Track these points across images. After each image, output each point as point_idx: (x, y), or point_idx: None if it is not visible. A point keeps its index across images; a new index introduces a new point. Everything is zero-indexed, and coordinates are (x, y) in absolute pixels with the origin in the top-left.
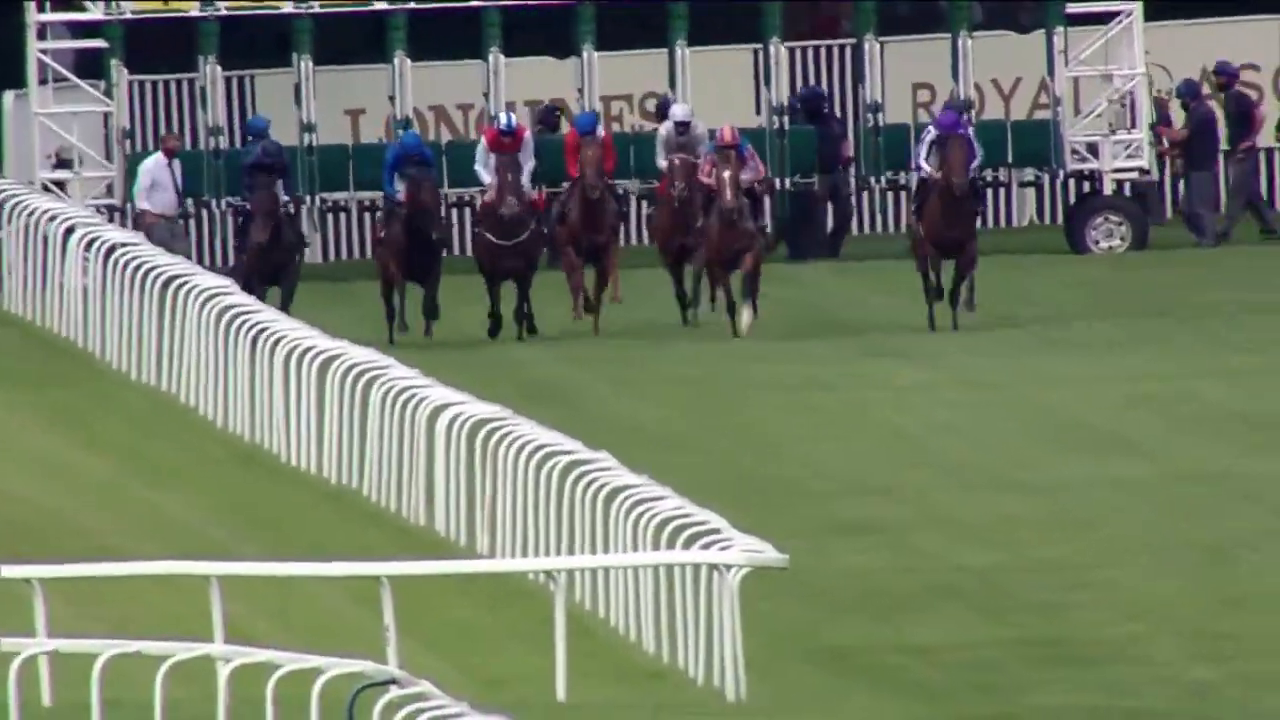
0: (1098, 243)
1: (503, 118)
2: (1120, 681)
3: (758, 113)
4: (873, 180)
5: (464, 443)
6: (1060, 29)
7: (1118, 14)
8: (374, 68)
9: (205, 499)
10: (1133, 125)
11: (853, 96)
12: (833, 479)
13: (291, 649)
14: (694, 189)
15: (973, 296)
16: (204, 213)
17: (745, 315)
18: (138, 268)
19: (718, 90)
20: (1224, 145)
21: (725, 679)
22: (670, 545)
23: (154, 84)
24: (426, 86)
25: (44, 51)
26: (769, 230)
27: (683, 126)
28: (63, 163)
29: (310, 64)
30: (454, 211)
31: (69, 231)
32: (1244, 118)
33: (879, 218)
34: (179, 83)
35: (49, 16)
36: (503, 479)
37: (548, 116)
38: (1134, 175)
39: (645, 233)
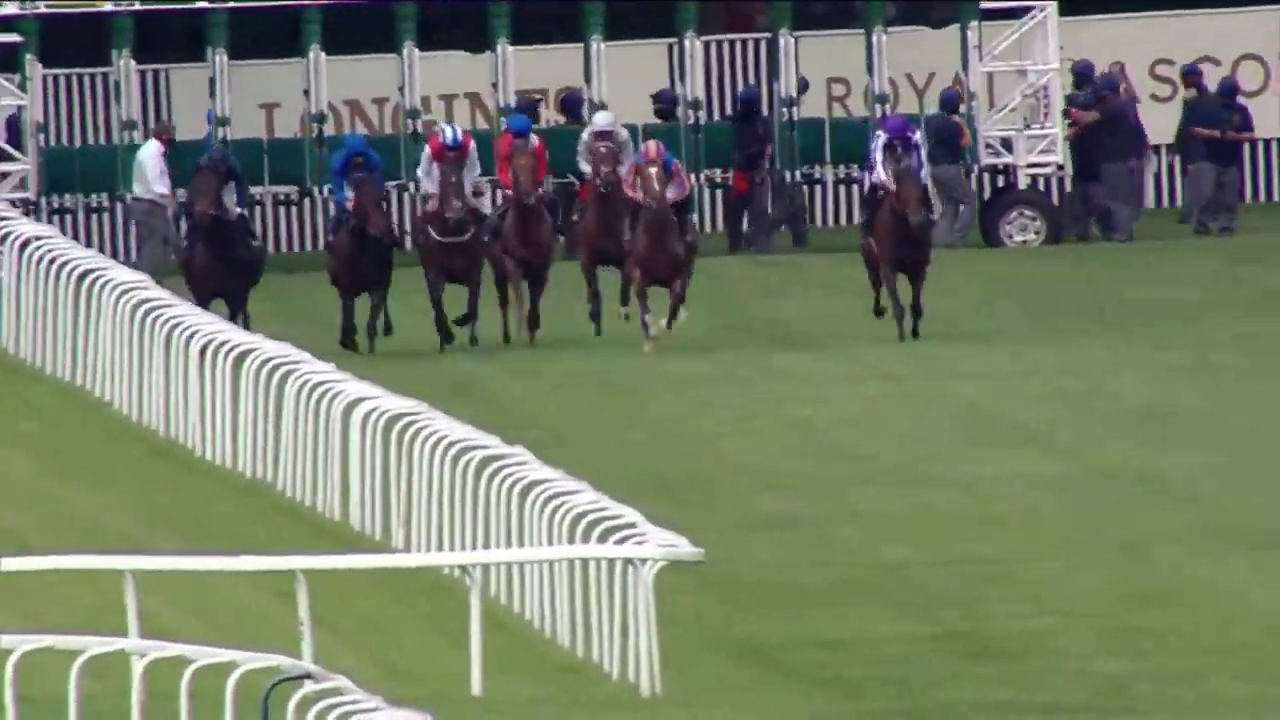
0: (1011, 237)
1: (448, 131)
2: (1035, 676)
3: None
4: (788, 174)
5: (379, 437)
6: (974, 24)
7: (1031, 9)
8: (289, 62)
9: (119, 494)
10: (1047, 120)
11: (767, 91)
12: (748, 473)
13: (206, 643)
14: (620, 200)
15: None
16: (118, 206)
17: (660, 326)
18: (52, 261)
19: (633, 85)
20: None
21: (640, 673)
22: (586, 539)
23: (68, 78)
24: (341, 81)
25: None
26: (697, 244)
27: (604, 135)
28: None
29: (225, 58)
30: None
31: None
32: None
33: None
34: (93, 77)
35: None
36: (418, 474)
37: (573, 107)
38: (1049, 170)
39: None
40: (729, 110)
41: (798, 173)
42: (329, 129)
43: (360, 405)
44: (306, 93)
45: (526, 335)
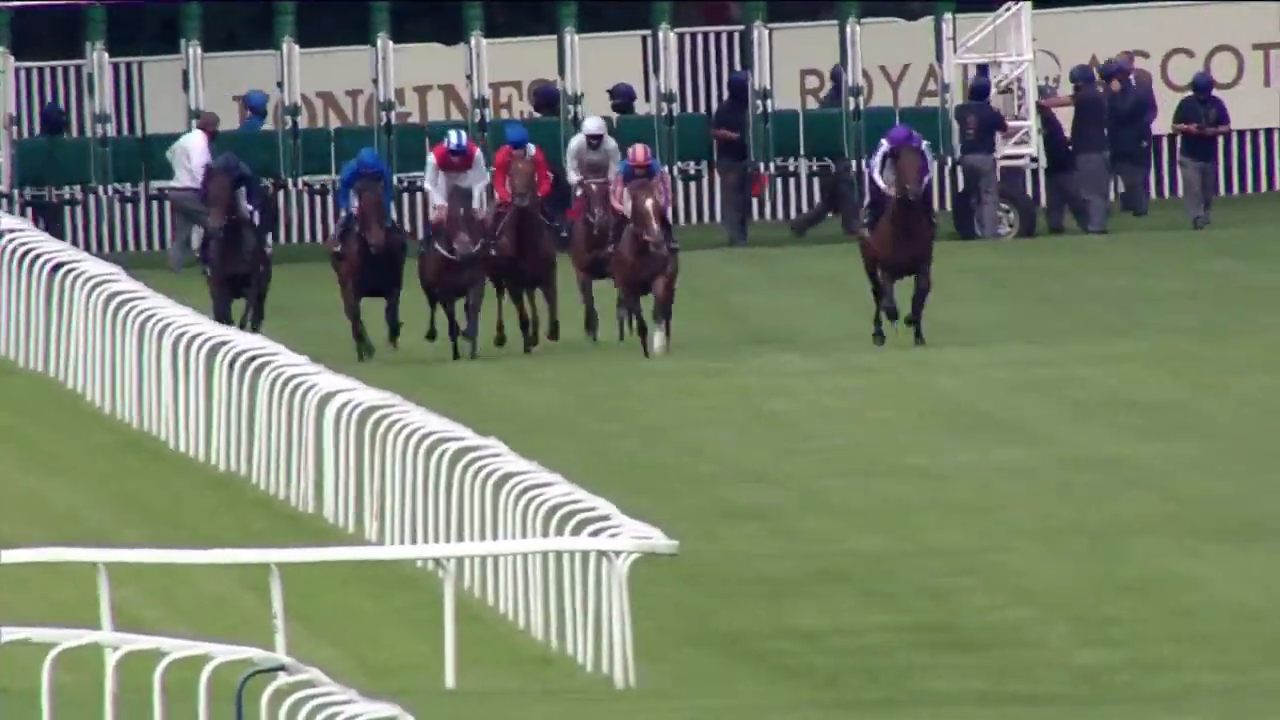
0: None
1: (453, 136)
2: (1009, 666)
3: (647, 99)
4: (763, 166)
5: (353, 429)
6: (949, 16)
7: (1005, 1)
8: (262, 54)
9: (92, 486)
10: (1021, 112)
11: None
12: (720, 464)
13: (180, 636)
14: (608, 213)
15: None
16: (90, 199)
17: (658, 338)
18: (25, 254)
19: (607, 77)
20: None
21: (614, 664)
22: (559, 531)
23: (40, 70)
24: (315, 72)
25: None
26: (679, 251)
27: (595, 140)
28: None
29: (199, 50)
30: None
31: None
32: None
33: (773, 204)
34: (66, 69)
35: None
36: (391, 466)
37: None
38: (1023, 162)
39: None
40: (703, 101)
41: (773, 165)
42: (303, 121)
43: (334, 398)
44: (280, 85)
45: (531, 339)
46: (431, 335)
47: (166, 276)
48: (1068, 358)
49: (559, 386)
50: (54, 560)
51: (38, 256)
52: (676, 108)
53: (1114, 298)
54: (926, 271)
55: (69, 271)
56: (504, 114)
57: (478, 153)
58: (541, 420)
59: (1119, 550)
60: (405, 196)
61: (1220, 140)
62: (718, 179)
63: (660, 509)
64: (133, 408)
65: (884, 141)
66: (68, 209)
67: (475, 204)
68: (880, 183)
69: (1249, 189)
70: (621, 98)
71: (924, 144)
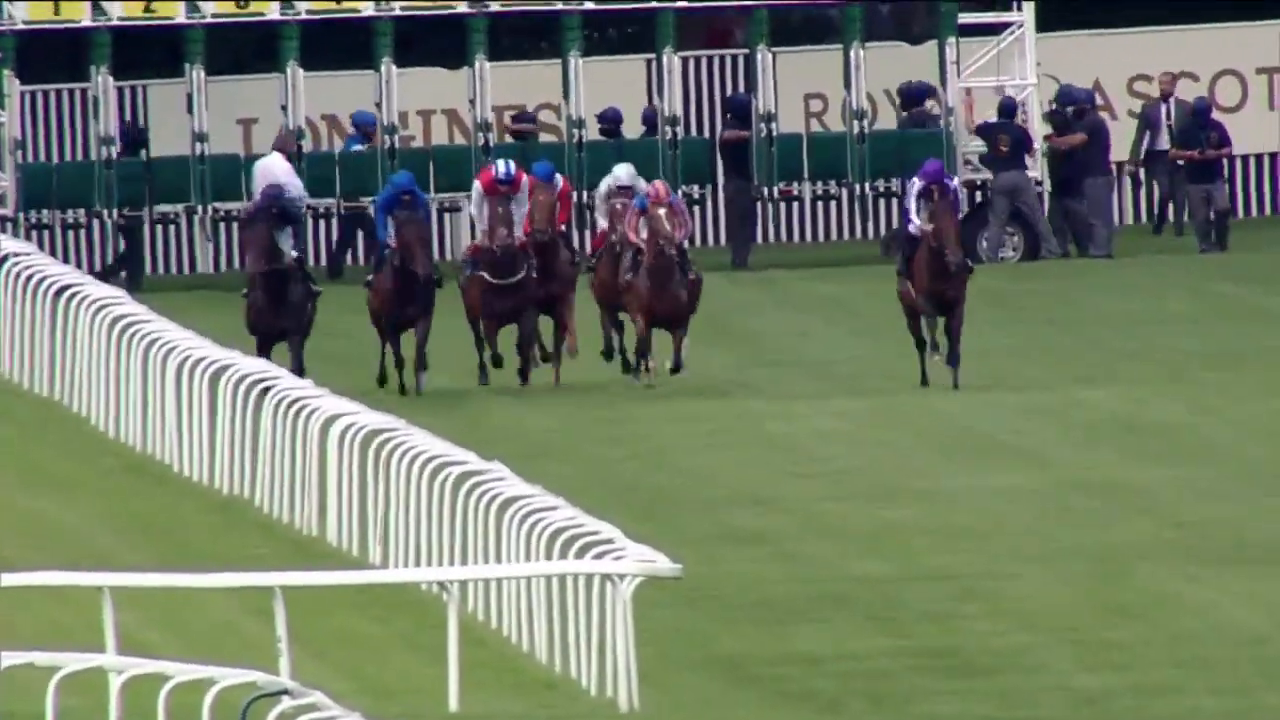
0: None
1: (501, 166)
2: (1011, 691)
3: (644, 123)
4: (765, 191)
5: (356, 453)
6: (952, 39)
7: (1009, 25)
8: (266, 77)
9: (97, 509)
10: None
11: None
12: (724, 488)
13: (184, 659)
14: (623, 243)
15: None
16: (94, 223)
17: (665, 368)
18: (30, 277)
19: (611, 101)
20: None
21: (618, 689)
22: (563, 555)
23: (46, 94)
24: (319, 96)
25: None
26: (700, 280)
27: (625, 189)
28: None
29: (202, 74)
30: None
31: None
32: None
33: (774, 227)
34: (71, 93)
35: None
36: (395, 489)
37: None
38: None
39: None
40: (707, 124)
41: (776, 189)
42: (307, 145)
43: (337, 421)
44: (284, 108)
45: (552, 365)
46: (483, 377)
47: (171, 299)
48: (1071, 381)
49: (562, 410)
50: (58, 584)
51: (43, 280)
52: (680, 131)
53: (1119, 321)
54: (961, 311)
55: (74, 295)
56: (506, 139)
57: (525, 180)
58: (545, 444)
59: (1121, 574)
60: None
61: (1224, 163)
62: (720, 198)
63: (663, 533)
64: (137, 431)
65: (917, 180)
66: (71, 232)
67: (517, 226)
68: (916, 222)
69: (1254, 213)
70: (609, 122)
71: (955, 181)
